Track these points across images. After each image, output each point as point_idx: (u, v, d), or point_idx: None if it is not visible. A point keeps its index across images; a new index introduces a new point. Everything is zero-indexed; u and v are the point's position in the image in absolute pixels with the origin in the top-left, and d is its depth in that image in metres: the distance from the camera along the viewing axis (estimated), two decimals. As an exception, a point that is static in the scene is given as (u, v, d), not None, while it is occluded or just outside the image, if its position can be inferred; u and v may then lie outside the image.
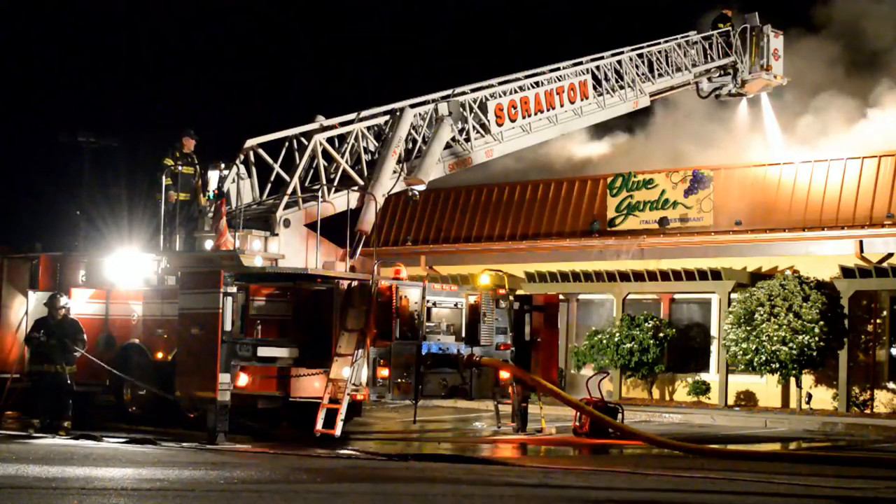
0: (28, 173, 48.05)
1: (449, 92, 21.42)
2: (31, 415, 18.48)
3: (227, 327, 17.10)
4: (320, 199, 19.12)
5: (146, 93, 52.46)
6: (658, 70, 25.53)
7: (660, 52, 25.63)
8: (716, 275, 27.68)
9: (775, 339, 25.37)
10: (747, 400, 27.77)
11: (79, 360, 19.10)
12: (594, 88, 23.78)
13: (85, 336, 18.38)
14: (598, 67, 23.91)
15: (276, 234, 18.78)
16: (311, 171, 19.92)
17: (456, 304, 19.66)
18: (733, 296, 27.29)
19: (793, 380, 26.43)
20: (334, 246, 19.49)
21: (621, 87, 24.47)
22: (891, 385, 26.19)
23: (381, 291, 18.19)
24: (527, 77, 22.68)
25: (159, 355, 19.04)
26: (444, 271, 32.57)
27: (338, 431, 17.41)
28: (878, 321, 26.60)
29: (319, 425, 17.57)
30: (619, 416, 19.91)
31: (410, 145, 20.78)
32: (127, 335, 19.71)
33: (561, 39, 43.67)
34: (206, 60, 52.47)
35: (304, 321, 18.79)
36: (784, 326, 25.34)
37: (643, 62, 25.11)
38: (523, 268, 30.71)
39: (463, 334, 19.58)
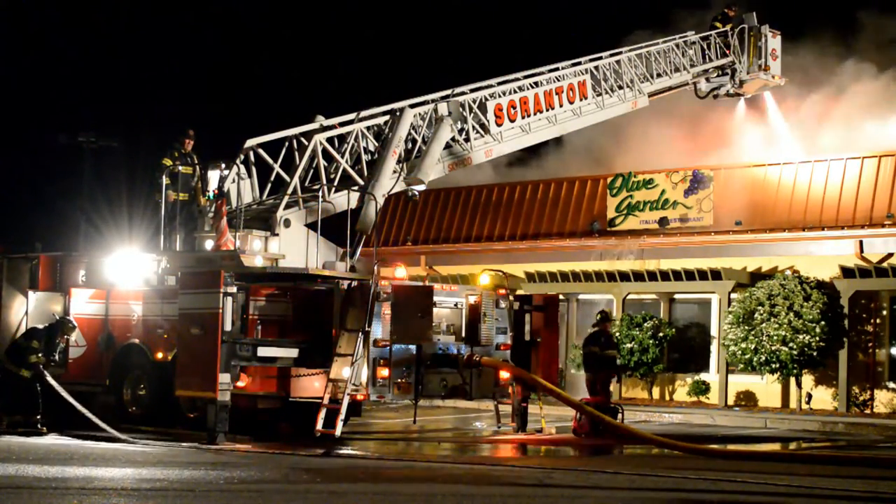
0: (28, 173, 48.10)
1: (448, 92, 21.42)
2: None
3: (227, 327, 17.10)
4: (320, 199, 19.12)
5: (146, 93, 52.48)
6: (657, 70, 25.54)
7: (658, 52, 25.63)
8: (716, 275, 27.68)
9: (775, 338, 25.38)
10: (747, 400, 27.77)
11: (78, 360, 19.50)
12: (593, 89, 23.78)
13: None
14: (596, 68, 23.92)
15: (277, 234, 18.78)
16: (311, 171, 19.91)
17: (456, 304, 19.66)
18: (733, 296, 27.30)
19: (793, 380, 26.44)
20: (334, 246, 19.49)
21: (620, 88, 24.48)
22: (891, 385, 26.19)
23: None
24: (526, 77, 22.69)
25: (159, 355, 19.05)
26: (444, 271, 32.57)
27: (338, 431, 17.42)
28: (878, 321, 26.60)
29: (319, 425, 17.57)
30: (619, 416, 19.92)
31: (410, 145, 20.77)
32: (127, 335, 19.72)
33: (560, 39, 43.71)
34: (206, 60, 52.49)
35: (304, 321, 18.79)
36: (784, 326, 25.35)
37: (641, 62, 25.12)
38: (523, 268, 30.71)
39: (463, 334, 19.59)
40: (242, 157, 19.38)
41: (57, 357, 18.99)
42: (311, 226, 19.14)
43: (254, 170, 19.65)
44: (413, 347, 18.54)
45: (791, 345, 25.27)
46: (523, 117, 22.37)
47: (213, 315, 17.05)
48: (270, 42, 54.05)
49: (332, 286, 18.54)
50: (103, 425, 17.54)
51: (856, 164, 27.49)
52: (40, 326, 19.27)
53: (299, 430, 18.72)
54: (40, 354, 18.42)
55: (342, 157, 19.89)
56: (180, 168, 19.36)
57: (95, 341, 19.94)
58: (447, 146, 21.07)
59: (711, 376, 28.15)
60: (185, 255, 18.82)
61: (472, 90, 21.68)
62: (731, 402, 27.40)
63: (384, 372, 18.15)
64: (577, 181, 32.24)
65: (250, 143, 19.31)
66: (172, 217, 19.10)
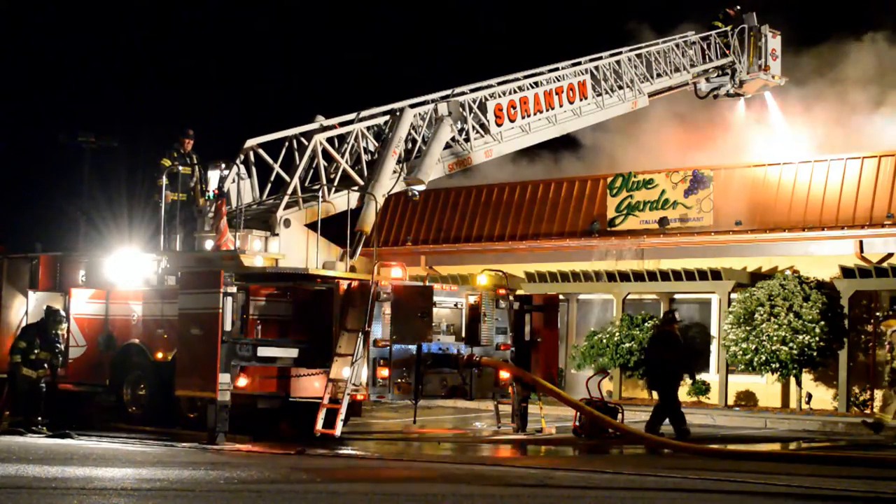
0: (28, 173, 48.10)
1: (449, 92, 21.43)
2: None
3: (227, 327, 17.09)
4: (320, 199, 19.13)
5: (146, 93, 52.48)
6: (657, 70, 25.54)
7: (658, 52, 25.64)
8: (716, 275, 27.68)
9: (775, 338, 25.37)
10: (747, 400, 27.78)
11: (78, 360, 19.51)
12: (593, 89, 23.79)
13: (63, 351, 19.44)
14: (596, 68, 23.93)
15: (277, 234, 18.79)
16: (311, 171, 19.93)
17: (456, 304, 19.66)
18: (733, 296, 27.29)
19: (793, 380, 26.44)
20: (334, 246, 19.50)
21: (620, 88, 24.48)
22: (890, 385, 26.15)
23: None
24: (526, 77, 22.69)
25: (159, 355, 19.02)
26: (444, 271, 32.55)
27: (338, 431, 17.42)
28: (878, 321, 26.60)
29: (319, 425, 17.58)
30: (619, 416, 19.90)
31: (410, 145, 20.78)
32: (127, 335, 19.69)
33: (560, 39, 43.70)
34: (206, 60, 52.50)
35: (304, 321, 18.79)
36: (784, 326, 25.35)
37: (641, 62, 25.12)
38: (523, 268, 30.71)
39: (463, 334, 19.58)
40: (242, 157, 19.40)
41: (59, 349, 18.96)
42: (311, 226, 19.15)
43: (254, 170, 19.67)
44: (413, 347, 18.52)
45: (791, 345, 25.27)
46: (523, 117, 22.38)
47: (213, 315, 17.04)
48: (270, 42, 54.09)
49: (332, 286, 18.53)
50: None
51: (856, 164, 27.49)
52: (34, 322, 19.39)
53: (299, 430, 18.72)
54: (37, 352, 18.49)
55: (342, 157, 19.91)
56: (180, 168, 19.36)
57: (95, 341, 19.92)
58: (447, 146, 21.09)
59: (711, 376, 28.14)
60: (185, 255, 18.82)
61: (472, 90, 21.69)
62: (731, 402, 27.41)
63: (384, 372, 18.14)
64: (577, 181, 32.25)
65: (250, 143, 19.32)
66: (172, 217, 19.11)
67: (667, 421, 20.13)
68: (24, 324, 20.56)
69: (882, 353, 21.69)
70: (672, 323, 20.49)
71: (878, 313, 25.63)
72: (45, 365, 18.61)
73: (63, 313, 19.31)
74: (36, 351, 18.53)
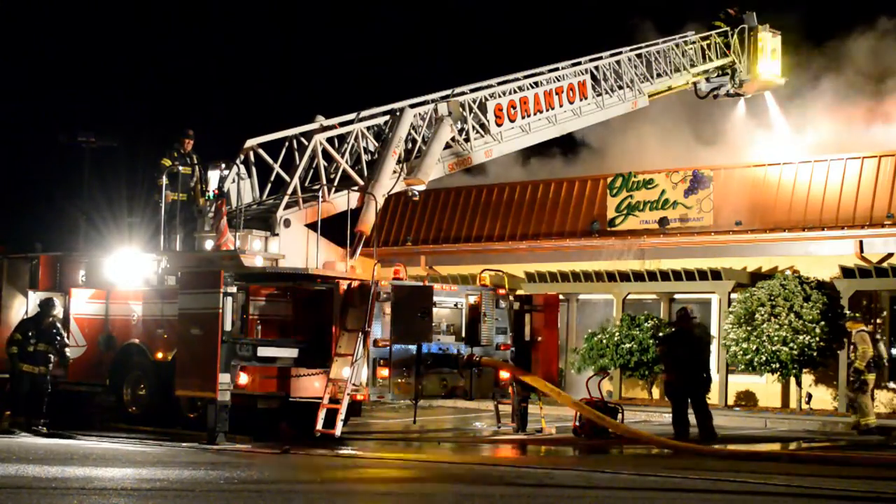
0: (28, 173, 48.11)
1: (449, 92, 21.43)
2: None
3: (227, 327, 17.09)
4: (320, 199, 19.13)
5: (146, 93, 52.49)
6: (657, 70, 25.54)
7: (658, 52, 25.65)
8: (716, 275, 27.67)
9: (776, 339, 25.36)
10: (747, 400, 27.77)
11: (78, 360, 19.49)
12: (593, 89, 23.79)
13: (65, 339, 19.18)
14: (597, 68, 23.93)
15: (277, 234, 18.79)
16: (311, 171, 19.93)
17: (456, 304, 19.65)
18: (733, 296, 27.29)
19: (793, 380, 26.43)
20: (334, 246, 19.50)
21: (620, 88, 24.48)
22: (891, 385, 26.18)
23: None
24: (526, 77, 22.70)
25: (159, 355, 19.03)
26: (444, 271, 32.55)
27: (338, 431, 17.42)
28: (878, 321, 26.59)
29: (319, 425, 17.58)
30: (619, 416, 19.89)
31: (410, 145, 20.78)
32: (127, 335, 19.70)
33: (560, 39, 43.72)
34: (206, 60, 52.51)
35: (304, 321, 18.79)
36: (785, 326, 25.34)
37: (642, 62, 25.12)
38: (523, 268, 30.70)
39: (463, 334, 19.58)
40: (242, 157, 19.40)
41: (58, 341, 18.92)
42: (311, 226, 19.15)
43: (254, 170, 19.67)
44: (413, 347, 18.52)
45: (791, 345, 25.26)
46: (523, 117, 22.38)
47: (213, 315, 17.04)
48: (270, 42, 54.09)
49: (332, 286, 18.53)
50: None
51: (856, 164, 27.49)
52: (30, 316, 19.42)
53: (299, 430, 18.72)
54: (34, 342, 18.48)
55: (342, 157, 19.91)
56: (180, 168, 19.36)
57: (95, 341, 19.92)
58: (447, 146, 21.09)
59: (711, 376, 28.09)
60: (185, 255, 18.82)
61: (472, 90, 21.69)
62: (731, 402, 27.40)
63: (384, 372, 18.13)
64: (577, 181, 32.25)
65: (250, 143, 19.32)
66: (172, 217, 19.10)
67: (668, 420, 20.14)
68: (23, 323, 20.60)
69: (853, 354, 21.62)
70: (688, 320, 20.35)
71: (845, 311, 25.59)
72: (49, 364, 18.56)
73: (56, 300, 19.29)
74: (33, 342, 18.49)
